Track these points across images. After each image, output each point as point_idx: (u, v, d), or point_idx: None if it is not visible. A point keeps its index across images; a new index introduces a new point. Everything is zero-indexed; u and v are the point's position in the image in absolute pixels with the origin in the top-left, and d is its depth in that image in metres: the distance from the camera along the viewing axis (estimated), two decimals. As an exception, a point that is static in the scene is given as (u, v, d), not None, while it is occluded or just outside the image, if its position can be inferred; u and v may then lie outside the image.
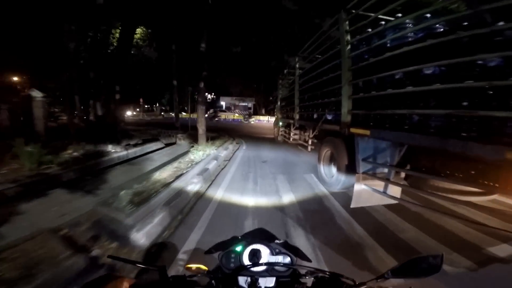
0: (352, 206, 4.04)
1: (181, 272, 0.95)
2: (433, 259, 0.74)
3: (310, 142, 6.99)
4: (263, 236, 1.22)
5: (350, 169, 4.49)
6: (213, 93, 43.99)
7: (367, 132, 3.88)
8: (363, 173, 4.05)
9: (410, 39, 3.47)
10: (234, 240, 1.03)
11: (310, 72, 6.74)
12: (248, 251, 0.91)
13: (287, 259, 0.90)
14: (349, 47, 4.58)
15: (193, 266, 0.92)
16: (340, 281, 0.82)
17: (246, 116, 34.34)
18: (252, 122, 32.52)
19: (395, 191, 3.82)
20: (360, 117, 4.38)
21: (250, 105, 41.73)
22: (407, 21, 3.53)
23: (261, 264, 0.86)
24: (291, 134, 8.94)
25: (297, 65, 8.08)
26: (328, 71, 5.51)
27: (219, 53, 22.66)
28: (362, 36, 4.31)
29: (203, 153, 7.75)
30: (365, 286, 0.76)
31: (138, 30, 15.71)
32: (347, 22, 4.62)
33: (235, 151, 9.57)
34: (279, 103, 11.31)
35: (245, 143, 11.89)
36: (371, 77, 4.02)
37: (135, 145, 9.13)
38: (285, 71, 10.06)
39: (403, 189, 3.78)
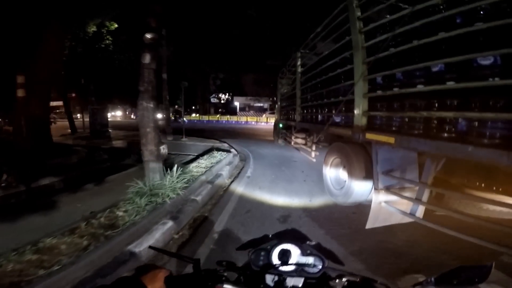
0: (367, 227, 3.33)
1: (213, 266, 0.89)
2: (481, 269, 0.65)
3: (314, 147, 6.13)
4: (295, 236, 1.17)
5: (365, 182, 3.80)
6: (227, 93, 40.36)
7: (391, 140, 3.07)
8: (383, 189, 3.27)
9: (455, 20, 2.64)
10: (265, 239, 1.03)
11: (313, 68, 5.92)
12: (278, 250, 0.89)
13: (318, 261, 0.87)
14: (362, 36, 3.78)
15: (224, 261, 0.92)
16: (373, 286, 0.79)
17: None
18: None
19: (420, 210, 3.06)
20: (379, 120, 3.58)
21: (266, 105, 36.78)
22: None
23: (290, 264, 0.85)
24: (292, 137, 8.08)
25: (298, 62, 7.26)
26: (336, 66, 4.71)
27: (234, 47, 21.31)
28: (377, 23, 3.51)
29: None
30: None
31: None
32: (358, 8, 3.84)
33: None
34: (279, 103, 10.48)
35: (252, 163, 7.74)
36: (394, 71, 3.21)
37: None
38: (285, 68, 9.24)
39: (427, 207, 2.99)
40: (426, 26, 2.81)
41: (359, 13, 3.88)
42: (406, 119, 3.08)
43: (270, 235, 1.08)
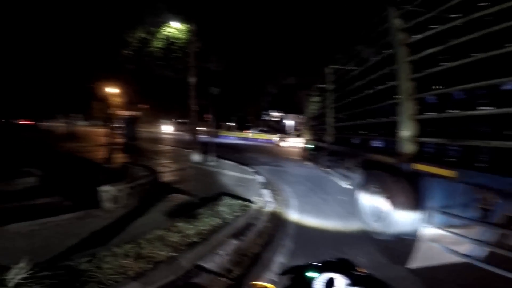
0: (410, 266, 2.89)
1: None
2: None
3: (347, 173, 5.51)
4: (344, 265, 0.99)
5: (410, 217, 3.23)
6: (280, 111, 35.33)
7: (451, 173, 2.50)
8: (434, 225, 2.84)
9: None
10: (310, 266, 0.93)
11: (347, 85, 5.44)
12: (323, 279, 0.82)
13: None
14: (406, 49, 3.30)
15: (259, 284, 0.92)
16: None
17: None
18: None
19: (481, 252, 2.49)
20: (432, 149, 3.00)
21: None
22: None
23: None
24: (323, 160, 7.47)
25: (329, 78, 6.81)
26: (374, 83, 4.20)
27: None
28: (425, 34, 3.00)
29: None
30: None
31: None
32: (399, 19, 3.40)
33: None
34: (308, 122, 9.96)
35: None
36: (451, 89, 2.67)
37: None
38: (315, 85, 8.80)
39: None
40: (488, 36, 2.28)
41: (400, 24, 3.42)
42: (470, 149, 2.49)
43: (317, 263, 0.97)
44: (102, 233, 3.32)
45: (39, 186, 5.68)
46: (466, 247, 2.61)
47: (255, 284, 0.93)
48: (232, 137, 25.97)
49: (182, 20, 12.14)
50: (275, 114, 38.03)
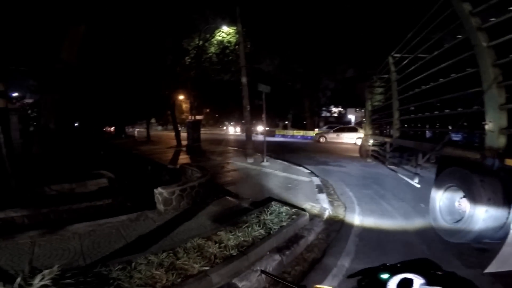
0: (488, 270, 2.58)
1: None
2: None
3: (419, 170, 5.05)
4: (422, 265, 0.91)
5: (496, 219, 2.91)
6: (340, 106, 34.06)
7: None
8: None
9: None
10: (383, 267, 0.87)
11: (415, 75, 4.98)
12: (397, 280, 0.75)
13: None
14: (484, 34, 2.93)
15: (322, 287, 0.89)
16: None
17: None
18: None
19: None
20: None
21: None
22: None
23: None
24: (387, 156, 6.97)
25: (392, 68, 6.33)
26: (449, 70, 3.79)
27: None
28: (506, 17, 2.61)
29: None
30: None
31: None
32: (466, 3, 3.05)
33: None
34: (368, 116, 9.39)
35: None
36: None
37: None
38: (376, 76, 8.26)
39: None
40: None
41: (469, 8, 3.06)
42: None
43: (389, 264, 0.92)
44: (147, 237, 3.40)
45: (109, 187, 6.26)
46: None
47: (318, 287, 0.89)
48: (288, 136, 25.28)
49: (230, 23, 12.59)
50: (335, 110, 36.11)
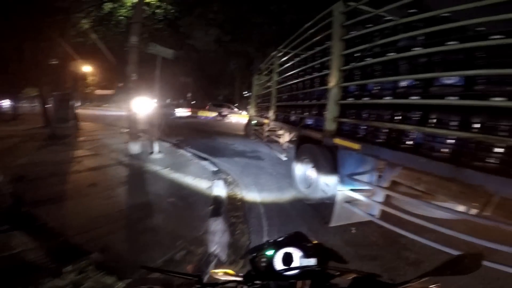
0: (331, 224, 3.62)
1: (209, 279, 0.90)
2: (473, 257, 0.75)
3: (285, 146, 6.30)
4: (297, 238, 1.05)
5: (330, 183, 3.93)
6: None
7: (357, 146, 3.28)
8: (346, 190, 3.53)
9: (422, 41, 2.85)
10: (268, 244, 0.95)
11: (291, 69, 6.04)
12: (281, 254, 0.87)
13: (320, 261, 0.87)
14: (343, 44, 3.92)
15: (220, 271, 0.92)
16: (378, 281, 0.81)
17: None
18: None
19: (377, 211, 3.36)
20: (347, 127, 3.78)
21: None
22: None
23: (293, 268, 0.84)
24: (265, 134, 8.21)
25: (277, 60, 7.35)
26: (313, 70, 4.86)
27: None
28: (359, 33, 3.66)
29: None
30: (406, 285, 0.75)
31: None
32: (343, 15, 3.95)
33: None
34: (254, 100, 10.54)
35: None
36: (366, 81, 3.42)
37: None
38: (262, 65, 9.29)
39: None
40: (402, 41, 3.02)
41: (343, 20, 3.88)
42: (372, 128, 3.29)
43: (272, 240, 1.04)
44: None
45: None
46: (369, 207, 3.38)
47: (216, 272, 0.94)
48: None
49: None
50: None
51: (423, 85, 2.71)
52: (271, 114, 7.37)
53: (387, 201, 3.31)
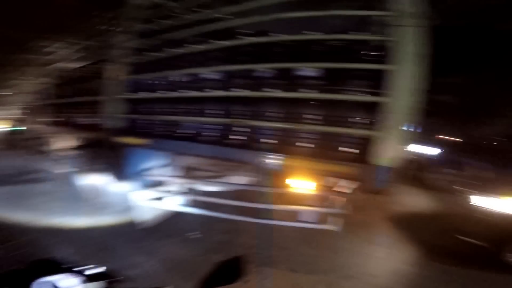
0: (143, 226, 3.27)
1: None
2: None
3: (64, 154, 5.01)
4: (53, 265, 1.01)
5: (122, 185, 3.56)
6: None
7: (142, 142, 3.29)
8: (144, 188, 3.36)
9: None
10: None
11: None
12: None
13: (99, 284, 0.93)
14: (126, 36, 3.70)
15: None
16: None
17: None
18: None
19: (182, 201, 3.38)
20: (133, 123, 3.66)
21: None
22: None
23: None
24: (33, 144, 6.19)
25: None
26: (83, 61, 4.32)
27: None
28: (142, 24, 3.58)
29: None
30: None
31: None
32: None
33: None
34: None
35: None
36: (148, 76, 3.51)
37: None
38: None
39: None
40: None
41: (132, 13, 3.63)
42: (154, 123, 3.42)
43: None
44: None
45: None
46: (174, 199, 3.29)
47: None
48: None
49: None
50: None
51: (195, 80, 3.10)
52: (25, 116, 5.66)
53: (188, 188, 3.37)
